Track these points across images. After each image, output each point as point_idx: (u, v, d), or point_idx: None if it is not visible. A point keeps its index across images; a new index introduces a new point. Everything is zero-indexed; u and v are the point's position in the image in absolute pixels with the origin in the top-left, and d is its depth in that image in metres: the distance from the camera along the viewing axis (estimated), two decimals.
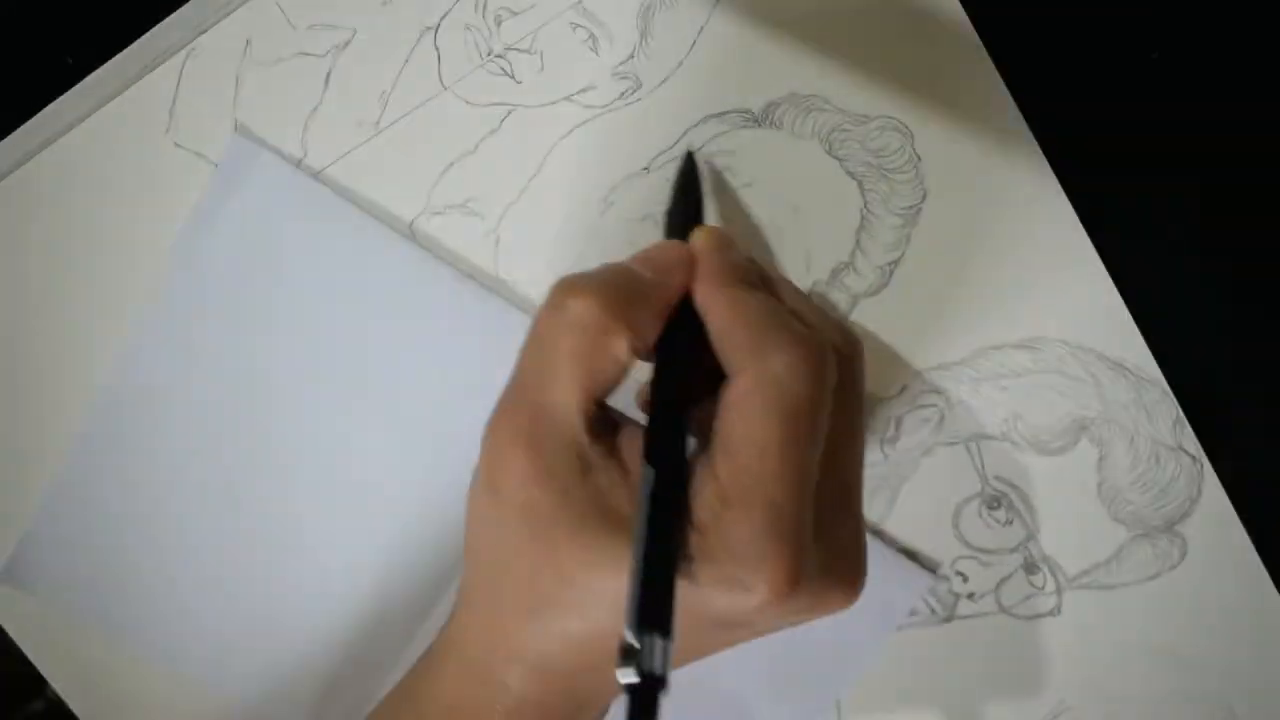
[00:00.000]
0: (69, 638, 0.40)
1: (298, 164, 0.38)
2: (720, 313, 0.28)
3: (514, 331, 0.36)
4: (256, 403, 0.39)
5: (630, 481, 0.27)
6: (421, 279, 0.38)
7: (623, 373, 0.27)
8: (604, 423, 0.28)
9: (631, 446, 0.28)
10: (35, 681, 0.40)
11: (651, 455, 0.27)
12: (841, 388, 0.28)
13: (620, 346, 0.27)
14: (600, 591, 0.26)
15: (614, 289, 0.27)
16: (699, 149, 0.37)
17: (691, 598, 0.25)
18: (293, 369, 0.38)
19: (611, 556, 0.25)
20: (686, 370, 0.28)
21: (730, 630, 0.27)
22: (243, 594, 0.39)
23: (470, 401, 0.36)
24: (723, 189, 0.37)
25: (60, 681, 0.40)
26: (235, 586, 0.39)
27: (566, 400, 0.27)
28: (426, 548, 0.38)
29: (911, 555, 0.37)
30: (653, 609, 0.24)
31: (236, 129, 0.38)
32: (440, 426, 0.38)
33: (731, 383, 0.27)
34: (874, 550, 0.35)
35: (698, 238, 0.30)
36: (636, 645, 0.24)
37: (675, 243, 0.30)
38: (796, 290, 0.31)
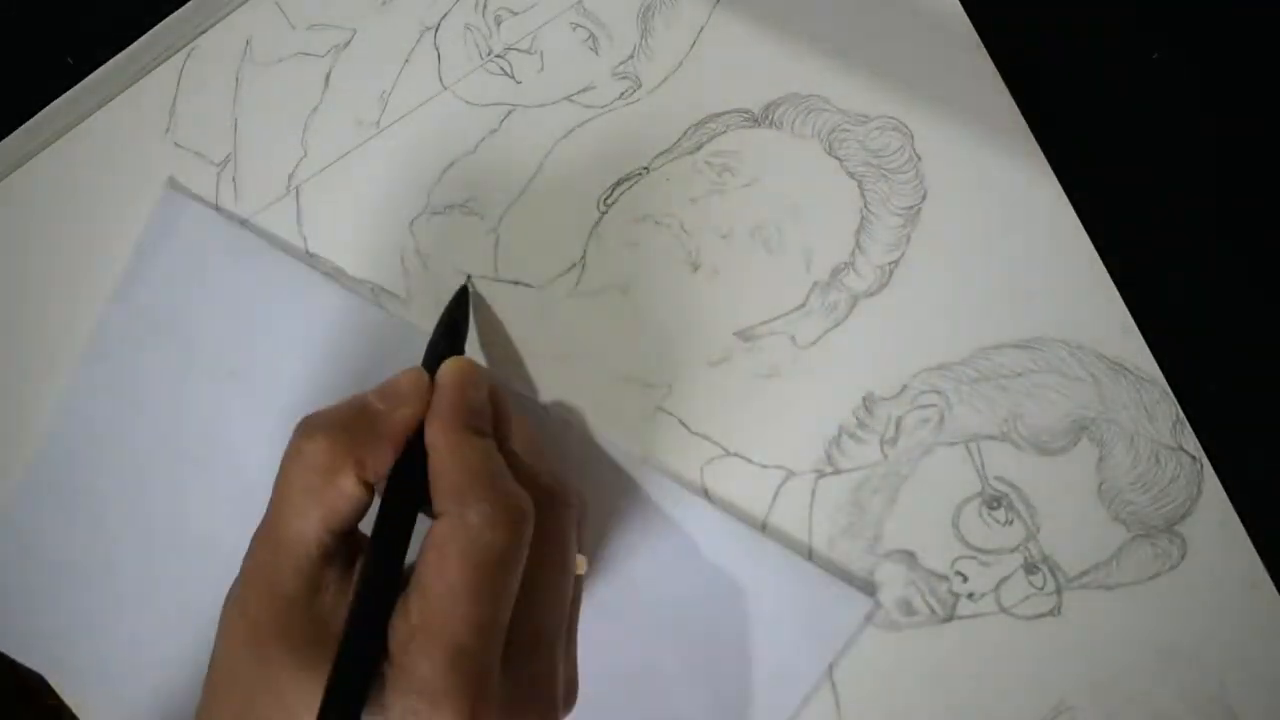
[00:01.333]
0: (69, 638, 0.40)
1: (293, 168, 0.38)
2: (439, 454, 0.30)
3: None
4: (192, 441, 0.39)
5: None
6: (338, 309, 0.38)
7: (359, 504, 0.29)
8: (343, 551, 0.30)
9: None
10: (34, 683, 0.40)
11: (359, 585, 0.28)
12: (543, 540, 0.30)
13: (349, 483, 0.29)
14: (311, 716, 0.27)
15: (343, 428, 0.30)
16: (467, 280, 0.37)
17: None
18: (222, 406, 0.38)
19: (320, 684, 0.27)
20: (410, 502, 0.30)
21: None
22: (187, 631, 0.39)
23: None
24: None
25: (60, 681, 0.40)
26: (179, 624, 0.39)
27: (301, 531, 0.29)
28: None
29: (847, 579, 0.37)
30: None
31: (170, 183, 0.39)
32: None
33: (434, 524, 0.29)
34: (807, 575, 0.36)
35: (444, 370, 0.32)
36: None
37: (416, 373, 0.32)
38: (531, 435, 0.33)
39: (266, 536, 0.29)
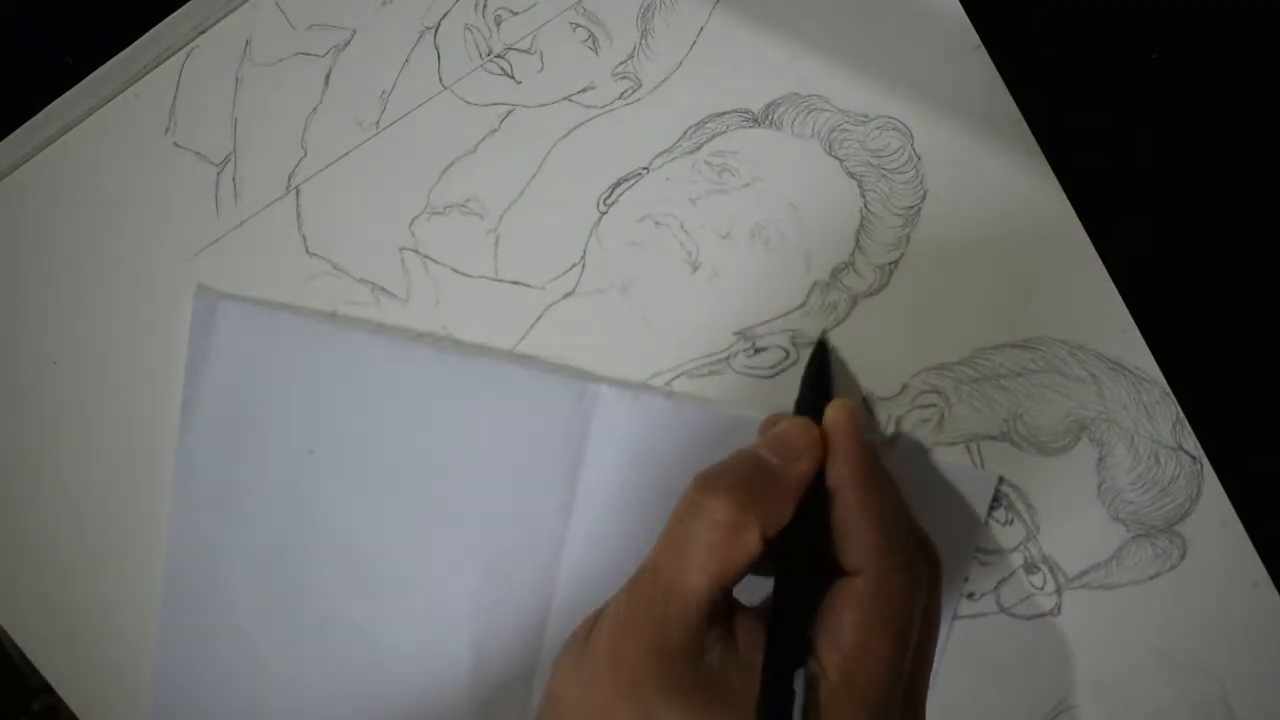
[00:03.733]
0: (69, 638, 0.40)
1: (293, 168, 0.38)
2: (852, 505, 0.30)
3: (493, 388, 0.38)
4: (298, 531, 0.39)
5: (740, 659, 0.29)
6: (384, 357, 0.38)
7: (754, 561, 0.29)
8: (726, 608, 0.30)
9: (745, 630, 0.30)
10: (28, 688, 0.40)
11: (773, 640, 0.29)
12: (928, 605, 0.31)
13: (753, 540, 0.29)
14: None
15: (747, 485, 0.30)
16: (824, 334, 0.37)
17: None
18: (317, 487, 0.39)
19: None
20: (811, 553, 0.30)
21: None
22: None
23: (475, 467, 0.38)
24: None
25: (60, 681, 0.40)
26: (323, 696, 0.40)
27: (697, 587, 0.29)
28: (468, 625, 0.39)
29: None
30: None
31: (199, 288, 0.39)
32: (458, 500, 0.39)
33: (848, 581, 0.29)
34: (930, 467, 0.37)
35: (834, 413, 0.32)
36: None
37: (805, 424, 0.32)
38: (896, 487, 0.33)
39: (652, 589, 0.29)
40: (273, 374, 0.39)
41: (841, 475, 0.31)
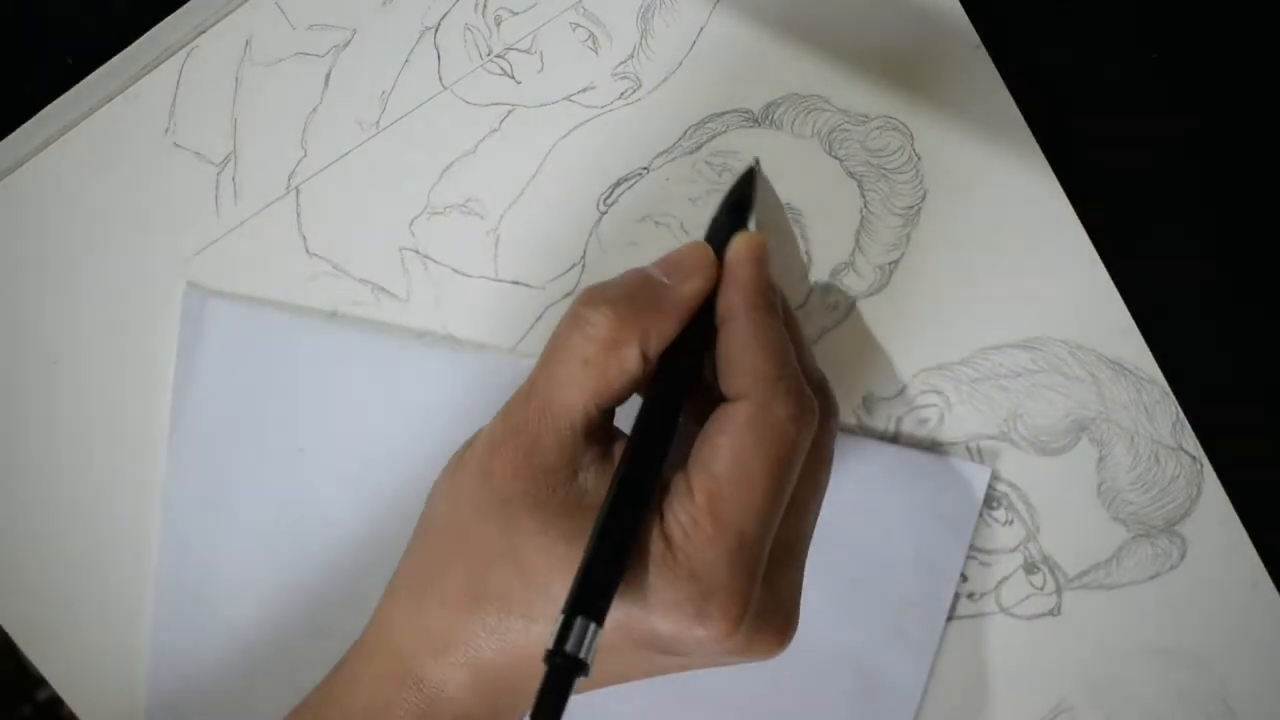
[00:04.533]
0: (69, 638, 0.40)
1: (293, 168, 0.38)
2: (741, 330, 0.28)
3: (484, 382, 0.38)
4: (291, 530, 0.39)
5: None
6: (370, 348, 0.38)
7: (633, 381, 0.28)
8: (603, 430, 0.28)
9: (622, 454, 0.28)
10: (25, 684, 0.40)
11: (631, 452, 0.27)
12: (815, 446, 0.29)
13: (631, 357, 0.27)
14: (552, 592, 0.26)
15: (630, 300, 0.28)
16: (754, 162, 0.36)
17: (634, 615, 0.25)
18: (308, 486, 0.39)
19: (575, 558, 0.26)
20: (687, 377, 0.29)
21: (659, 658, 0.27)
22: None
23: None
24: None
25: (57, 678, 0.40)
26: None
27: (572, 403, 0.27)
28: None
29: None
30: (594, 594, 0.24)
31: (188, 286, 0.38)
32: None
33: (730, 405, 0.27)
34: (924, 461, 0.36)
35: (737, 243, 0.30)
36: (563, 624, 0.24)
37: (701, 246, 0.31)
38: (801, 327, 0.32)
39: (528, 404, 0.28)
40: (262, 372, 0.39)
41: (731, 303, 0.29)
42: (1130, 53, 0.37)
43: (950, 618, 0.38)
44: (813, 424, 0.28)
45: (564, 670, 0.23)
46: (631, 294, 0.28)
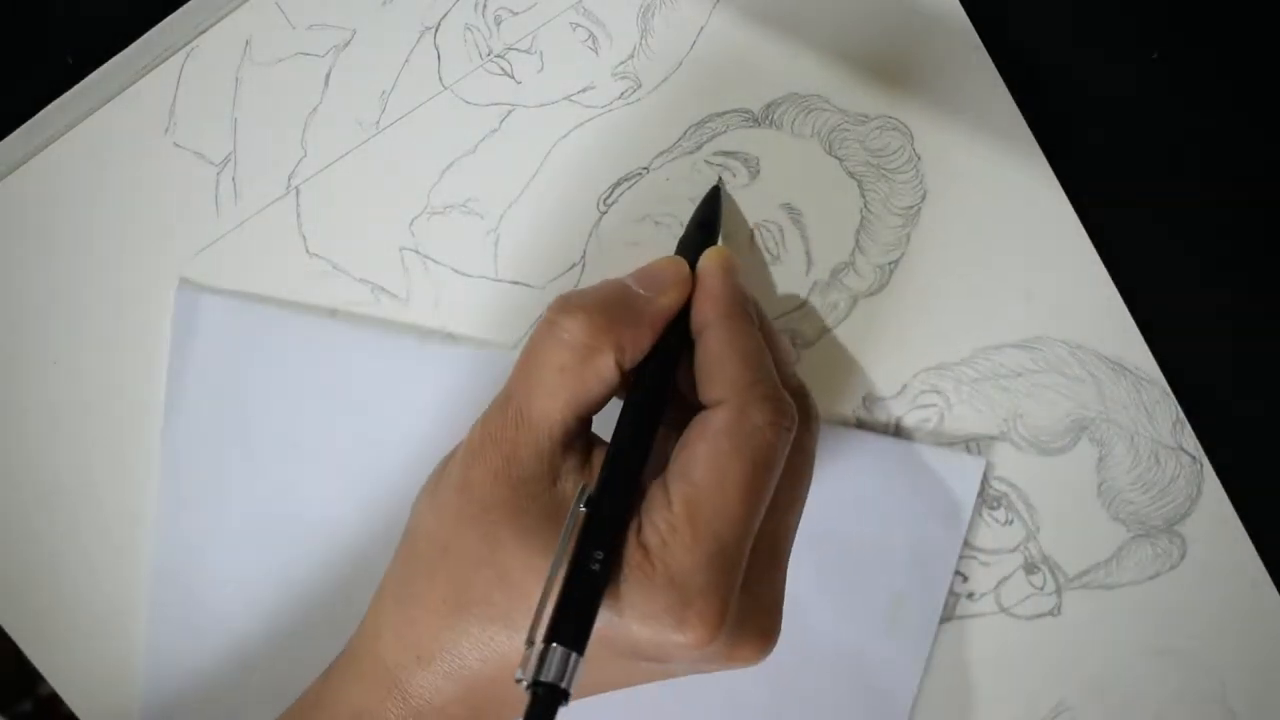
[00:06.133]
0: (66, 634, 0.40)
1: (293, 168, 0.38)
2: (716, 339, 0.29)
3: (477, 376, 0.38)
4: (285, 528, 0.39)
5: None
6: (366, 345, 0.38)
7: (609, 390, 0.28)
8: (582, 439, 0.29)
9: (600, 464, 0.28)
10: (24, 681, 0.40)
11: (608, 466, 0.27)
12: (795, 451, 0.29)
13: (606, 365, 0.27)
14: (532, 602, 0.26)
15: (605, 308, 0.28)
16: (719, 181, 0.37)
17: (613, 624, 0.25)
18: (301, 483, 0.39)
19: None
20: (663, 388, 0.29)
21: (640, 665, 0.27)
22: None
23: None
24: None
25: (54, 674, 0.40)
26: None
27: (549, 412, 0.27)
28: None
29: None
30: (572, 621, 0.24)
31: (181, 282, 0.39)
32: None
33: (707, 413, 0.27)
34: (918, 455, 0.36)
35: (707, 257, 0.31)
36: (543, 653, 0.24)
37: (676, 260, 0.31)
38: (780, 337, 0.32)
39: (504, 414, 0.28)
40: (256, 368, 0.39)
41: (706, 314, 0.29)
42: (1130, 53, 0.37)
43: (950, 618, 0.38)
44: (791, 429, 0.28)
45: (546, 700, 0.23)
46: (606, 303, 0.28)
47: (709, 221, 0.35)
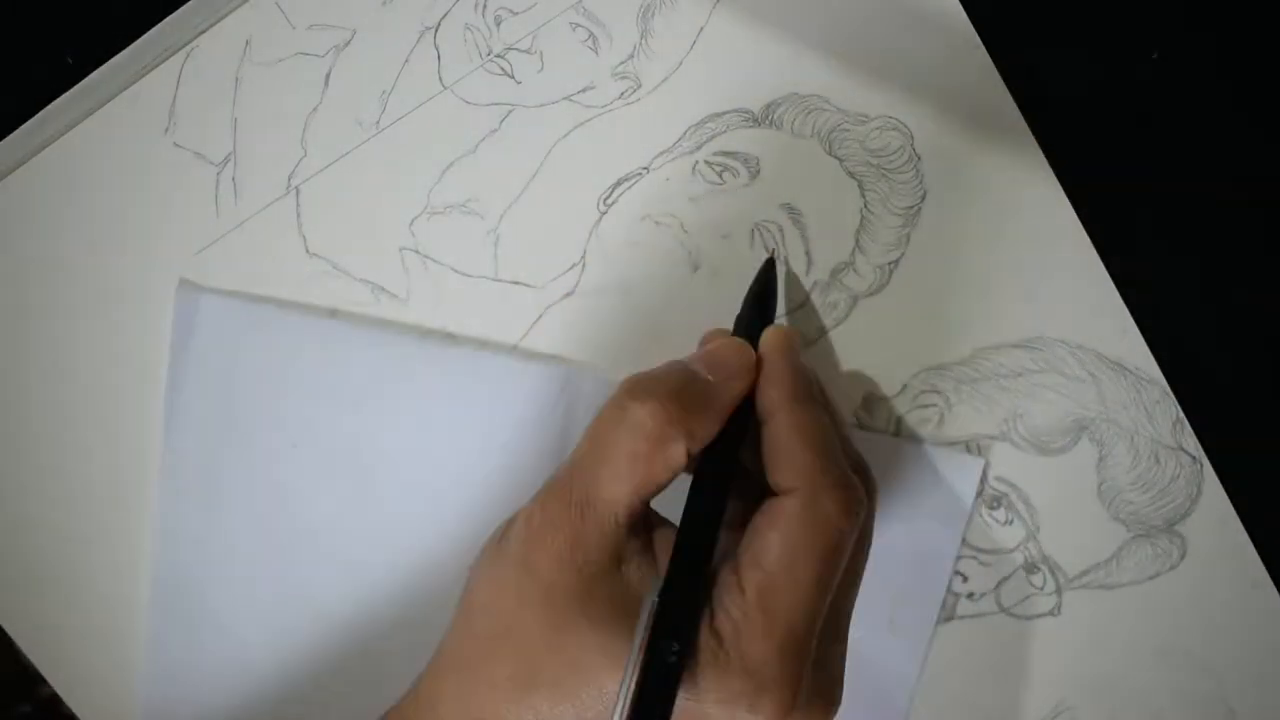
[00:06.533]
0: (69, 638, 0.40)
1: (293, 168, 0.38)
2: (784, 426, 0.29)
3: (476, 376, 0.38)
4: (285, 526, 0.39)
5: (657, 575, 0.28)
6: (367, 346, 0.38)
7: (675, 476, 0.28)
8: (645, 521, 0.29)
9: (665, 546, 0.28)
10: (24, 682, 0.40)
11: (677, 551, 0.27)
12: (860, 532, 0.29)
13: (677, 453, 0.28)
14: (603, 687, 0.26)
15: (676, 396, 0.28)
16: (772, 253, 0.37)
17: (689, 709, 0.26)
18: (300, 482, 0.39)
19: (623, 653, 0.26)
20: (729, 474, 0.29)
21: None
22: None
23: (460, 458, 0.38)
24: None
25: (54, 674, 0.40)
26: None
27: (616, 497, 0.28)
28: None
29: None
30: (654, 714, 0.25)
31: (181, 282, 0.39)
32: (443, 491, 0.38)
33: (777, 500, 0.28)
34: (918, 454, 0.37)
35: (769, 338, 0.31)
36: None
37: (741, 345, 0.31)
38: (839, 412, 0.32)
39: (568, 496, 0.28)
40: (256, 368, 0.39)
41: (773, 399, 0.29)
42: (1130, 52, 0.37)
43: (950, 617, 0.38)
44: (860, 513, 0.28)
45: None
46: (678, 390, 0.29)
47: (765, 295, 0.35)
